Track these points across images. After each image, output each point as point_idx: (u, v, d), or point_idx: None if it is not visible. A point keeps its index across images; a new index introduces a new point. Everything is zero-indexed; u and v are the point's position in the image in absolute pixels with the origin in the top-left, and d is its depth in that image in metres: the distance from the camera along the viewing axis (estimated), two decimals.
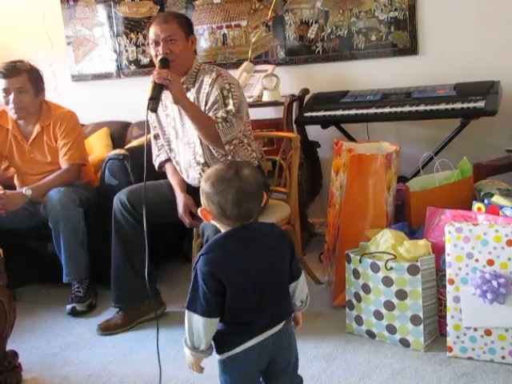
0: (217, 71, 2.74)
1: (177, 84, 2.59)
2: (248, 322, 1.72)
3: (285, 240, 1.83)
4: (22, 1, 4.18)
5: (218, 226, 1.77)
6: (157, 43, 2.70)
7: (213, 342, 1.74)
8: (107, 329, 2.86)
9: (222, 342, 1.73)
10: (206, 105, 2.70)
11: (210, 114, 2.67)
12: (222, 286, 1.67)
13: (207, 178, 1.72)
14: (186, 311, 1.70)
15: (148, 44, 3.07)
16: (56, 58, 4.17)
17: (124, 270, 2.85)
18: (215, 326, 1.71)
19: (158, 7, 3.96)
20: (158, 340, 2.15)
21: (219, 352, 1.74)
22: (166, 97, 2.75)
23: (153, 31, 2.72)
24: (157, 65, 2.68)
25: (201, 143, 2.72)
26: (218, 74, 2.71)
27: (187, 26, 2.77)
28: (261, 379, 1.83)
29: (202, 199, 1.75)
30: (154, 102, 2.54)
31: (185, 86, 2.76)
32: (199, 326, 1.68)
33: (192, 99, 2.73)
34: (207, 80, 2.72)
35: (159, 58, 2.68)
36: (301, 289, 1.86)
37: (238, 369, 1.74)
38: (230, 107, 2.66)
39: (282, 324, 1.78)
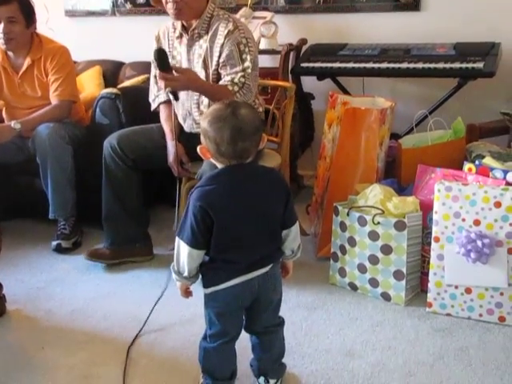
0: (234, 22, 2.65)
1: (184, 82, 2.54)
2: (234, 259, 1.78)
3: (282, 186, 1.85)
4: None
5: (216, 163, 1.81)
6: None
7: (200, 275, 1.81)
8: (93, 255, 2.88)
9: (208, 276, 1.80)
10: (219, 57, 2.64)
11: (227, 71, 2.62)
12: (210, 220, 1.72)
13: (206, 115, 1.77)
14: (176, 237, 1.78)
15: None
16: None
17: (114, 214, 2.87)
18: (200, 258, 1.78)
19: None
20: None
21: (205, 286, 1.81)
22: (176, 37, 2.72)
23: None
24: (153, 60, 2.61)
25: None
26: (234, 27, 2.63)
27: None
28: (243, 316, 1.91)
29: (201, 136, 1.78)
30: (175, 92, 2.55)
31: (197, 32, 2.69)
32: (184, 253, 1.76)
33: (205, 47, 2.68)
34: (222, 30, 2.64)
35: (155, 50, 2.57)
36: (293, 238, 1.90)
37: (222, 304, 1.82)
38: (247, 63, 2.61)
39: (268, 267, 1.83)
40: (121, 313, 2.48)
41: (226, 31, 2.63)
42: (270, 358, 1.98)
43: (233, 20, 2.68)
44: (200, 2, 2.67)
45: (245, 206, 1.76)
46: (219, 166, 1.79)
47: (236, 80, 2.60)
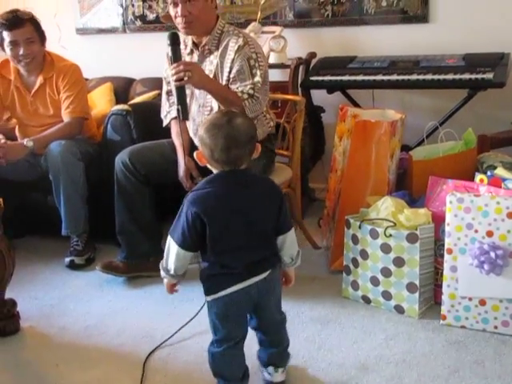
0: (244, 38, 2.68)
1: (196, 75, 2.51)
2: (230, 263, 1.85)
3: (275, 192, 1.94)
4: None
5: (211, 168, 1.90)
6: (175, 4, 2.61)
7: (201, 284, 1.89)
8: (107, 267, 2.88)
9: (208, 284, 1.88)
10: (230, 72, 2.66)
11: (237, 84, 2.63)
12: (201, 224, 1.80)
13: (204, 123, 1.87)
14: (168, 235, 1.88)
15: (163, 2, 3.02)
16: (60, 9, 4.13)
17: (128, 228, 2.88)
18: (186, 259, 1.88)
19: None
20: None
21: (206, 293, 1.89)
22: (187, 53, 2.75)
23: None
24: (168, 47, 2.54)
25: (219, 108, 2.65)
26: (244, 42, 2.65)
27: None
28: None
29: (198, 142, 1.90)
30: (183, 109, 2.50)
31: (207, 48, 2.72)
32: (173, 252, 1.86)
33: (215, 63, 2.70)
34: (232, 46, 2.67)
35: (168, 34, 2.53)
36: (290, 244, 1.96)
37: (224, 310, 1.88)
38: (257, 78, 2.63)
39: (267, 273, 1.89)
40: (134, 329, 2.49)
41: (236, 46, 2.66)
42: (279, 351, 2.06)
43: (243, 35, 2.71)
44: (209, 16, 2.70)
45: (236, 210, 1.83)
46: (214, 171, 1.89)
47: (245, 90, 2.62)
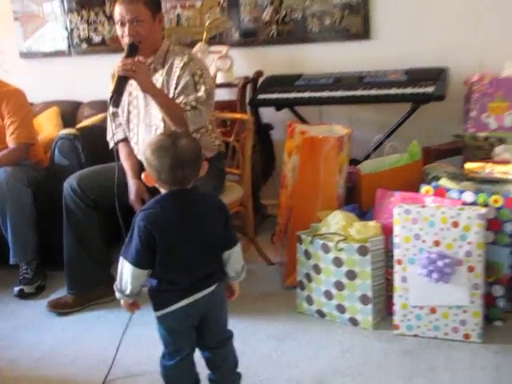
0: (188, 55, 2.72)
1: (143, 73, 2.54)
2: (178, 280, 1.89)
3: (220, 209, 1.99)
4: None
5: (159, 188, 1.93)
6: (122, 24, 2.63)
7: (150, 300, 1.91)
8: (56, 307, 2.84)
9: (156, 300, 1.91)
10: (176, 88, 2.67)
11: (181, 98, 2.64)
12: (153, 241, 1.83)
13: (149, 145, 1.90)
14: (120, 257, 1.88)
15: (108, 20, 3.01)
16: (2, 33, 4.08)
17: (77, 257, 2.83)
18: (143, 277, 1.89)
19: None
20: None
21: (155, 309, 1.92)
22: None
23: (118, 11, 2.64)
24: (124, 50, 2.60)
25: (164, 127, 2.66)
26: (189, 59, 2.69)
27: (154, 4, 2.70)
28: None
29: (145, 164, 1.91)
30: (116, 97, 2.51)
31: (153, 66, 2.73)
32: (128, 273, 1.87)
33: (161, 80, 2.70)
34: (178, 63, 2.69)
35: (127, 43, 2.60)
36: (235, 259, 2.00)
37: (172, 325, 1.93)
38: (201, 93, 2.64)
39: (213, 287, 1.93)
40: (88, 356, 2.45)
41: (181, 63, 2.68)
42: (227, 369, 2.05)
43: (188, 53, 2.75)
44: (156, 36, 2.72)
45: (185, 228, 1.87)
46: (162, 191, 1.92)
47: (188, 102, 2.63)
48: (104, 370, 2.31)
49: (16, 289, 3.03)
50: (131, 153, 2.84)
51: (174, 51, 2.75)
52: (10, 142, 3.14)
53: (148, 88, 2.57)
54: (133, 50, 2.60)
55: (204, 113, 2.66)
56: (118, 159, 2.84)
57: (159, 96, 2.60)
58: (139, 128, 2.80)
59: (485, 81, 3.04)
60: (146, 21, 2.64)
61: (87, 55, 4.08)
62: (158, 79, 2.72)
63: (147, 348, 2.41)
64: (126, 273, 1.88)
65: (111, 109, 2.83)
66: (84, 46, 4.06)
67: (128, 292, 1.89)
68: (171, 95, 2.69)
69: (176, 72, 2.69)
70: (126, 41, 2.66)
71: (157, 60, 2.74)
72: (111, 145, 2.92)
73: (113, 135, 2.90)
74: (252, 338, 2.38)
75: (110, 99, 2.52)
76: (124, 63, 2.50)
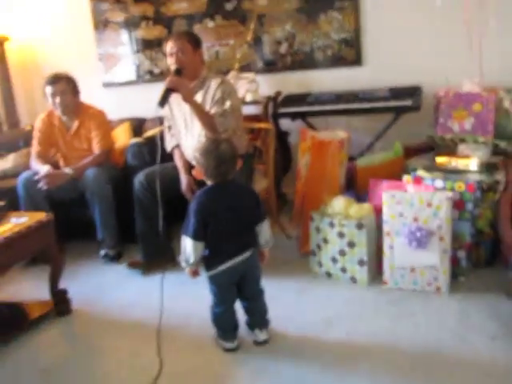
0: (222, 79, 2.74)
1: (184, 87, 2.55)
2: (224, 248, 1.93)
3: (252, 194, 2.03)
4: (68, 26, 4.13)
5: (206, 181, 1.96)
6: (171, 54, 2.67)
7: (203, 264, 1.96)
8: (132, 265, 2.88)
9: (208, 264, 1.96)
10: (212, 101, 2.70)
11: (213, 109, 2.65)
12: (205, 220, 1.88)
13: (198, 149, 1.95)
14: (182, 236, 1.91)
15: (164, 56, 3.03)
16: (90, 70, 4.12)
17: (146, 234, 2.86)
18: (200, 248, 1.91)
19: (167, 30, 3.91)
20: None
21: (206, 271, 1.96)
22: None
23: (168, 45, 2.69)
24: (171, 73, 2.64)
25: (204, 135, 2.68)
26: (222, 80, 2.72)
27: (194, 42, 2.73)
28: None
29: (195, 163, 1.96)
30: (162, 100, 2.52)
31: (195, 89, 2.74)
32: (190, 246, 1.89)
33: (200, 99, 2.71)
34: (214, 83, 2.71)
35: (173, 68, 2.64)
36: (264, 231, 2.03)
37: (220, 281, 1.97)
38: (226, 107, 2.66)
39: (249, 252, 1.98)
40: (156, 308, 2.43)
41: (216, 84, 2.71)
42: (260, 315, 2.10)
43: (221, 77, 2.78)
44: (196, 65, 2.74)
45: (227, 210, 1.91)
46: (209, 183, 1.95)
47: (217, 111, 2.64)
48: (166, 318, 2.32)
49: (102, 251, 3.09)
50: (182, 155, 2.87)
51: (211, 77, 2.77)
52: (96, 149, 3.19)
53: (187, 98, 2.57)
54: (178, 72, 2.62)
55: (229, 120, 2.66)
56: (173, 160, 2.88)
57: (196, 106, 2.61)
58: (187, 136, 2.83)
59: (449, 95, 3.01)
60: (188, 52, 2.68)
61: (150, 83, 4.09)
62: (199, 99, 2.73)
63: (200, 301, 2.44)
64: (188, 246, 1.90)
65: (166, 123, 2.85)
66: (147, 76, 4.08)
67: (192, 261, 1.91)
68: (208, 108, 2.70)
69: (212, 89, 2.71)
70: (172, 68, 2.68)
71: (197, 85, 2.75)
72: (168, 149, 2.95)
73: (169, 143, 2.94)
74: (275, 291, 2.39)
75: (158, 103, 2.51)
76: (171, 79, 2.52)
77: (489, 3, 3.08)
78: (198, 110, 2.62)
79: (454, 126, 2.96)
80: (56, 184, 2.99)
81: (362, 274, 2.50)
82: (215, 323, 2.06)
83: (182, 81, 2.56)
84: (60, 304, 2.48)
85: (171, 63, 2.69)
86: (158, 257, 2.88)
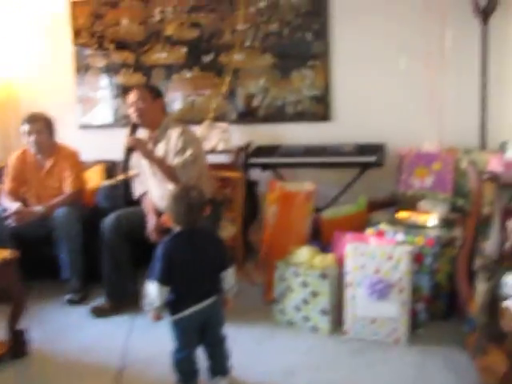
0: (182, 127, 2.80)
1: (141, 145, 2.69)
2: (188, 293, 1.93)
3: (218, 241, 2.05)
4: (50, 67, 4.15)
5: (175, 227, 1.97)
6: (132, 104, 2.78)
7: (167, 309, 1.95)
8: (96, 311, 2.81)
9: (172, 308, 1.95)
10: (174, 152, 2.73)
11: (176, 159, 2.69)
12: (171, 264, 1.89)
13: (169, 195, 1.99)
14: (148, 281, 1.91)
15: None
16: (67, 111, 4.12)
17: (112, 274, 2.81)
18: (165, 292, 1.90)
19: (145, 78, 3.98)
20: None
21: (171, 315, 1.95)
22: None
23: (130, 97, 2.81)
24: (129, 129, 2.75)
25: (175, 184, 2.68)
26: (183, 130, 2.78)
27: (154, 92, 2.84)
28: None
29: (166, 209, 1.98)
30: (125, 164, 2.73)
31: (157, 139, 2.80)
32: (155, 289, 1.89)
33: (163, 150, 2.77)
34: (174, 134, 2.77)
35: (131, 122, 2.77)
36: (229, 277, 2.04)
37: (183, 326, 1.95)
38: (188, 155, 2.70)
39: (213, 298, 1.98)
40: (119, 349, 2.41)
41: (177, 134, 2.76)
42: (222, 362, 2.07)
43: (182, 126, 2.82)
44: (157, 115, 2.82)
45: (194, 256, 1.93)
46: (177, 229, 1.97)
47: (177, 163, 2.69)
48: (128, 361, 2.27)
49: (67, 297, 3.00)
50: (151, 200, 2.88)
51: (172, 126, 2.82)
52: (67, 189, 3.16)
53: (146, 156, 2.70)
54: (134, 128, 2.77)
55: (190, 170, 2.70)
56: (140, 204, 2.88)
57: (155, 160, 2.70)
58: (154, 184, 2.85)
59: (411, 153, 3.12)
60: (147, 101, 2.77)
61: (126, 127, 4.07)
62: (161, 148, 2.78)
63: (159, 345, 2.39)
64: (153, 290, 1.89)
65: (136, 170, 2.89)
66: (124, 121, 4.10)
67: (156, 304, 1.90)
68: (171, 157, 2.73)
69: (173, 140, 2.76)
70: (132, 118, 2.77)
71: (159, 134, 2.81)
72: (136, 195, 2.97)
73: (137, 189, 2.96)
74: (236, 339, 2.35)
75: (123, 167, 2.71)
76: (128, 140, 2.67)
77: (449, 68, 3.27)
78: (158, 164, 2.70)
79: (415, 183, 3.05)
80: (25, 221, 2.95)
81: (323, 323, 2.50)
82: (176, 368, 2.02)
83: (138, 140, 2.69)
84: (17, 345, 2.38)
85: (131, 113, 2.78)
86: (123, 299, 2.83)
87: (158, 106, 2.83)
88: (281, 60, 3.70)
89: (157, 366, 2.26)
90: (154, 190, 2.86)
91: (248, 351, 2.36)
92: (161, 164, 2.70)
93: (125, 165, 2.72)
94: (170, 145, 2.77)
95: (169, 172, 2.66)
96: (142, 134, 2.87)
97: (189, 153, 2.71)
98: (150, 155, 2.70)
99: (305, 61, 3.66)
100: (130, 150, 2.69)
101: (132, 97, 2.79)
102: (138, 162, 2.89)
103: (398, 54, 3.39)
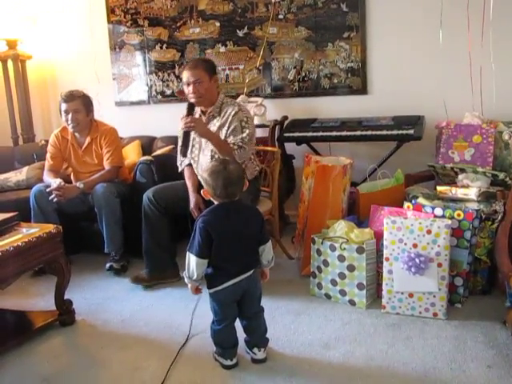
0: (238, 106, 2.76)
1: (200, 125, 2.60)
2: (226, 267, 1.92)
3: (257, 215, 2.02)
4: (86, 46, 4.18)
5: (214, 201, 1.96)
6: (188, 84, 2.70)
7: (205, 281, 1.95)
8: (136, 280, 2.85)
9: (210, 281, 1.95)
10: (227, 130, 2.72)
11: (230, 138, 2.67)
12: (210, 238, 1.87)
13: (206, 169, 1.96)
14: (187, 252, 1.91)
15: (176, 78, 3.03)
16: (104, 89, 4.16)
17: (152, 249, 2.86)
18: (204, 265, 1.91)
19: (179, 53, 3.98)
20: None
21: (209, 288, 1.95)
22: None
23: (185, 75, 2.72)
24: (185, 109, 2.66)
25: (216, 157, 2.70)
26: (239, 109, 2.74)
27: (211, 69, 2.76)
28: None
29: (203, 183, 1.96)
30: (184, 149, 2.63)
31: (212, 114, 2.78)
32: (193, 263, 1.89)
33: (218, 125, 2.75)
34: (230, 111, 2.74)
35: (187, 103, 2.67)
36: (267, 252, 2.03)
37: (221, 299, 1.96)
38: (245, 135, 2.69)
39: (251, 271, 1.97)
40: (157, 321, 2.48)
41: (233, 112, 2.72)
42: (259, 334, 2.07)
43: (237, 104, 2.79)
44: (212, 92, 2.77)
45: (232, 229, 1.91)
46: (216, 202, 1.95)
47: (236, 142, 2.67)
48: (168, 332, 2.33)
49: (107, 264, 3.08)
50: (193, 174, 2.89)
51: (227, 103, 2.79)
52: (106, 165, 3.21)
53: (204, 135, 2.65)
54: (191, 109, 2.66)
55: (248, 150, 2.70)
56: (183, 178, 2.90)
57: (213, 139, 2.66)
58: (200, 158, 2.85)
59: (450, 126, 3.03)
60: (205, 81, 2.70)
61: (161, 104, 4.14)
62: (216, 124, 2.76)
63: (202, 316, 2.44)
64: (192, 263, 1.90)
65: (180, 142, 2.87)
66: (159, 97, 4.14)
67: (195, 277, 1.91)
68: (224, 136, 2.72)
69: (228, 118, 2.73)
70: (189, 98, 2.71)
71: (214, 110, 2.78)
72: (180, 169, 2.96)
73: (181, 162, 2.96)
74: (274, 312, 2.38)
75: (180, 151, 2.62)
76: (185, 121, 2.57)
77: (490, 40, 3.13)
78: (217, 142, 2.66)
79: (454, 156, 2.97)
80: (67, 197, 3.01)
81: (360, 297, 2.49)
82: (215, 340, 2.05)
83: (197, 120, 2.61)
84: (64, 314, 2.47)
85: (188, 93, 2.73)
86: (162, 271, 2.88)
87: (214, 84, 2.78)
88: (315, 32, 3.64)
89: (196, 336, 2.29)
90: (200, 162, 2.84)
91: (285, 324, 2.38)
92: (218, 142, 2.66)
93: (185, 148, 2.63)
94: (225, 122, 2.74)
95: (226, 150, 2.63)
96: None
97: (246, 132, 2.69)
98: (208, 134, 2.65)
99: (340, 33, 3.58)
100: (187, 132, 2.61)
101: (187, 76, 2.70)
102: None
103: (437, 26, 3.26)
